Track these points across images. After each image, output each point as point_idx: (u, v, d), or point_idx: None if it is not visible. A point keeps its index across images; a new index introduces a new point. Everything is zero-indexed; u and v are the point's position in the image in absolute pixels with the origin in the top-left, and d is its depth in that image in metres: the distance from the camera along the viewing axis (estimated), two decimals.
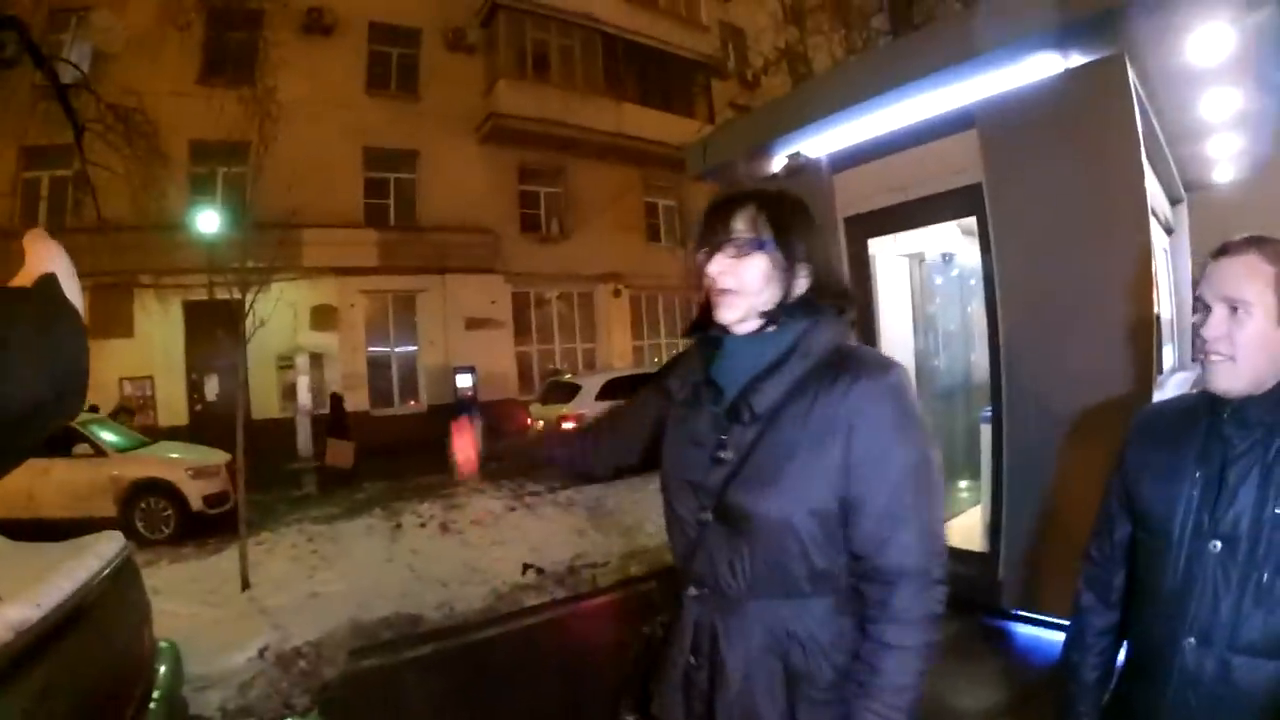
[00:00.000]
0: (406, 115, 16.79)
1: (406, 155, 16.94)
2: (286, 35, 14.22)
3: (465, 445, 1.78)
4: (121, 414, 11.82)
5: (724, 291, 1.28)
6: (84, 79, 10.53)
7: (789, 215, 1.32)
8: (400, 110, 16.77)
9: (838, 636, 1.24)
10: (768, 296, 1.28)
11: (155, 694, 2.43)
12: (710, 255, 1.30)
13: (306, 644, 4.59)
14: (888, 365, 1.25)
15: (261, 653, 4.44)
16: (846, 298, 1.34)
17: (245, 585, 5.70)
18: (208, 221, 8.13)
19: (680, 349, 1.53)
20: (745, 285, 1.27)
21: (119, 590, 2.37)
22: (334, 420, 12.95)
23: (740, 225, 1.28)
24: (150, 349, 14.41)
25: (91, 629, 2.03)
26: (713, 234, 1.30)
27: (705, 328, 1.38)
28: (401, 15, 16.91)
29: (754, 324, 1.29)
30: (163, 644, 2.79)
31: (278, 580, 6.01)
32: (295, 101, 13.48)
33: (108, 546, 2.45)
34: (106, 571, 2.27)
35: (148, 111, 9.73)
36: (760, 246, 1.27)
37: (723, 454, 1.27)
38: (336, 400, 13.34)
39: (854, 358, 1.26)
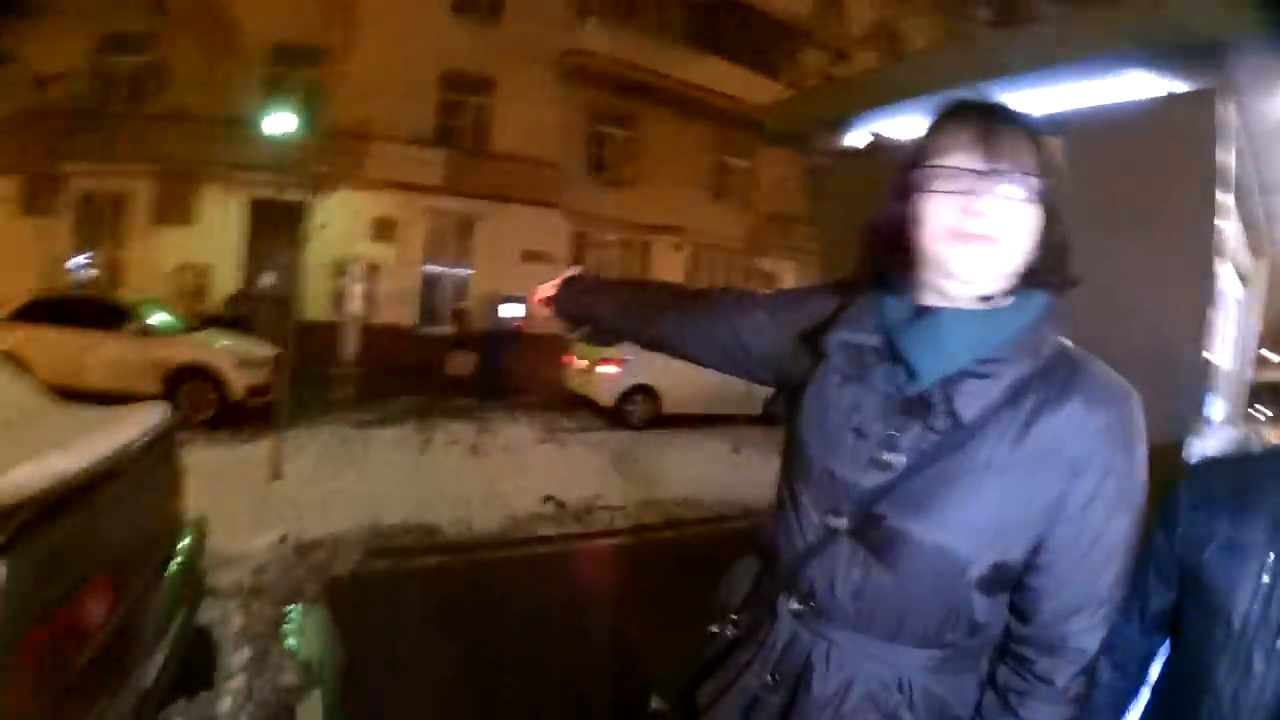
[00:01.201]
0: (488, 41, 16.68)
1: (484, 81, 16.88)
2: None
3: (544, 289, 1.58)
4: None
5: (983, 238, 0.94)
6: None
7: (1060, 163, 0.99)
8: (483, 35, 16.66)
9: (956, 696, 1.04)
10: (1022, 260, 0.97)
11: (176, 560, 2.57)
12: (976, 184, 0.94)
13: (325, 537, 4.78)
14: (1129, 394, 0.98)
15: (281, 540, 4.66)
16: (1073, 283, 1.03)
17: (275, 476, 5.93)
18: (281, 122, 8.23)
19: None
20: (1012, 237, 0.95)
21: (156, 457, 2.49)
22: (457, 333, 13.98)
23: (1024, 155, 0.95)
24: (211, 239, 14.83)
25: (125, 488, 2.14)
26: (989, 154, 0.94)
27: (887, 282, 1.07)
28: None
29: (994, 291, 0.98)
30: (190, 516, 2.94)
31: (306, 476, 6.24)
32: (379, 14, 13.53)
33: (152, 414, 2.57)
34: (147, 438, 2.39)
35: (230, 8, 9.82)
36: (1042, 197, 0.95)
37: (889, 456, 0.99)
38: (460, 314, 14.35)
39: (1088, 373, 0.98)
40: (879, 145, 5.02)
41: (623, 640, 3.85)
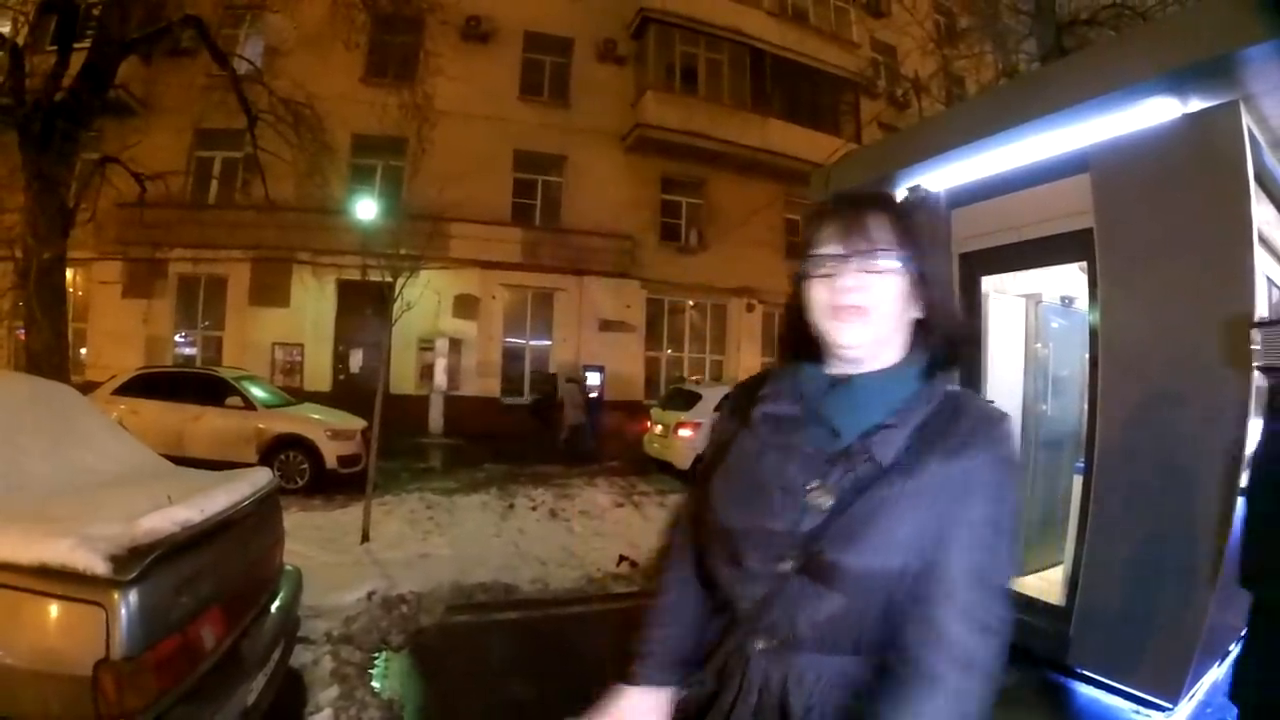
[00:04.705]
0: (556, 121, 17.70)
1: (554, 159, 17.80)
2: (446, 42, 15.09)
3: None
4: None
5: (853, 310, 1.11)
6: (257, 72, 11.75)
7: (924, 230, 1.17)
8: (550, 116, 17.70)
9: None
10: (896, 323, 1.14)
11: (276, 605, 2.92)
12: (840, 266, 1.12)
13: (410, 594, 5.10)
14: (1001, 420, 1.14)
15: (370, 595, 5.00)
16: (967, 337, 1.15)
17: (365, 538, 6.35)
18: (365, 209, 8.97)
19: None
20: (880, 306, 1.12)
21: (262, 514, 2.87)
22: (548, 400, 15.33)
23: (880, 234, 1.12)
24: (303, 319, 15.91)
25: (237, 539, 2.52)
26: (846, 240, 1.12)
27: (803, 354, 1.23)
28: (556, 25, 17.88)
29: (879, 354, 1.15)
30: (289, 567, 3.31)
31: (393, 538, 6.63)
32: (452, 104, 14.51)
33: (259, 478, 2.97)
34: (256, 496, 2.77)
35: (314, 105, 10.75)
36: (902, 261, 1.11)
37: (819, 500, 1.11)
38: (551, 380, 15.89)
39: (968, 409, 1.13)
40: (917, 199, 5.20)
41: None
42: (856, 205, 1.16)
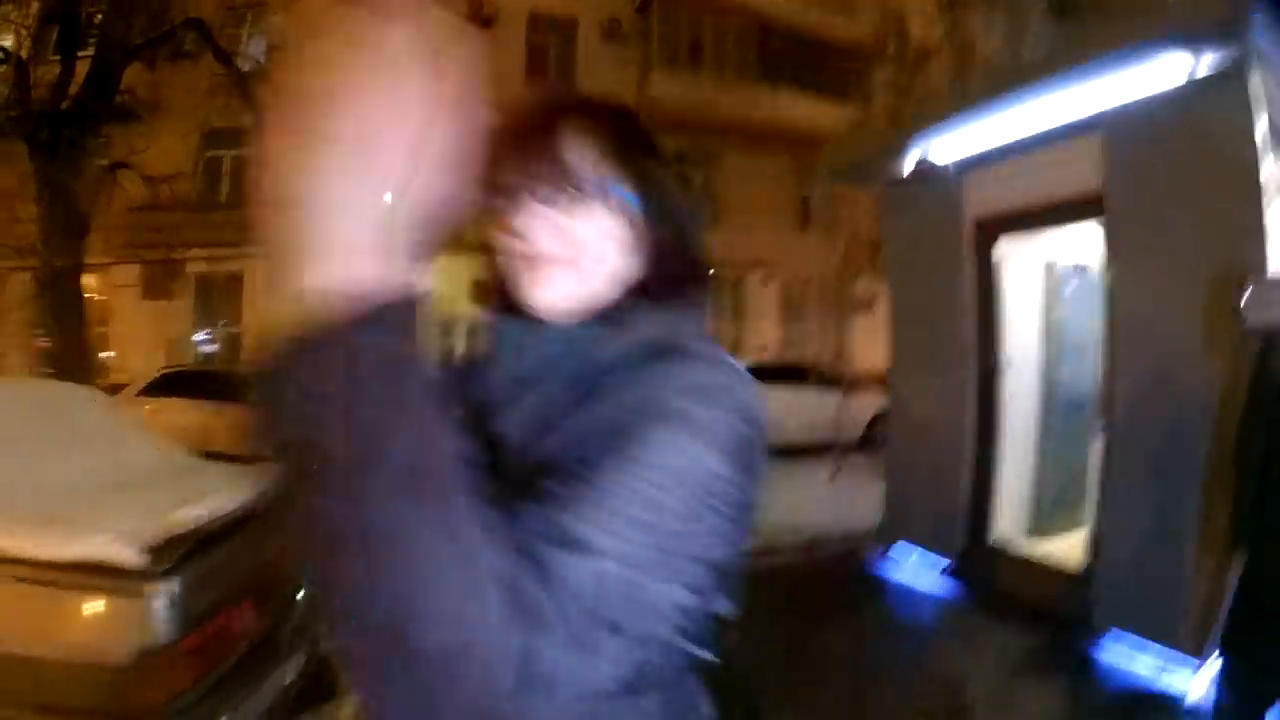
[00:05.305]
0: None
1: None
2: None
3: None
4: None
5: (541, 260, 0.78)
6: (262, 69, 11.80)
7: (641, 143, 0.84)
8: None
9: None
10: (607, 270, 0.80)
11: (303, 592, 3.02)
12: (517, 200, 0.78)
13: None
14: (723, 362, 0.79)
15: None
16: (704, 279, 0.88)
17: None
18: None
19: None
20: (578, 252, 0.79)
21: None
22: None
23: (573, 156, 0.78)
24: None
25: (266, 528, 2.60)
26: (524, 167, 0.77)
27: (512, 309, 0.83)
28: (559, 6, 17.75)
29: (583, 311, 0.80)
30: None
31: None
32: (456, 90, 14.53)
33: None
34: None
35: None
36: (605, 192, 0.79)
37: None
38: None
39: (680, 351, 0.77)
40: (926, 168, 5.18)
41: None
42: (544, 115, 0.81)
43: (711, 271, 0.89)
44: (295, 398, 0.47)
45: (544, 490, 0.60)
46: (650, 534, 0.61)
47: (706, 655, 0.83)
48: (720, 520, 0.68)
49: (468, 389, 0.85)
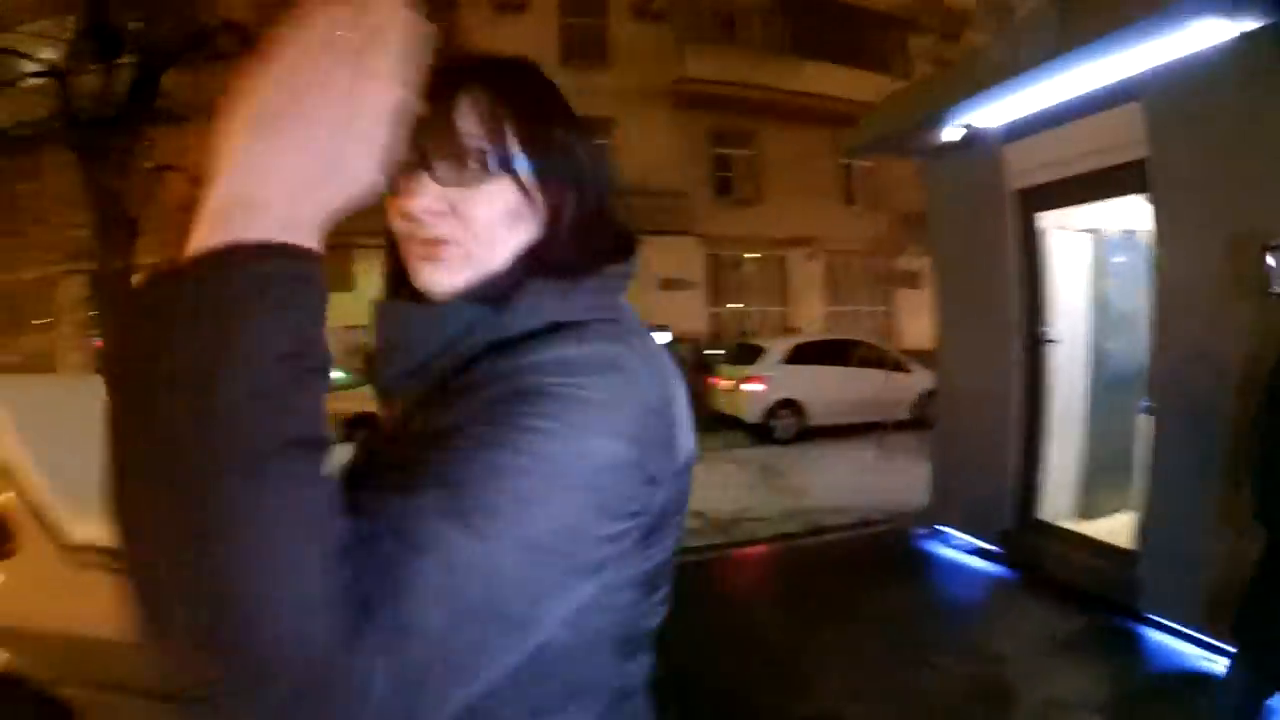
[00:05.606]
0: (599, 84, 17.39)
1: (601, 122, 17.59)
2: (481, 17, 15.12)
3: None
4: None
5: (433, 244, 0.73)
6: None
7: (548, 107, 0.79)
8: (593, 81, 17.36)
9: None
10: (506, 249, 0.74)
11: None
12: (410, 177, 0.71)
13: None
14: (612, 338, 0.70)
15: None
16: (624, 249, 0.81)
17: None
18: None
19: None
20: (474, 232, 0.72)
21: None
22: None
23: (469, 125, 0.71)
24: (367, 303, 16.22)
25: None
26: (417, 139, 0.66)
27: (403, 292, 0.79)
28: None
29: (477, 292, 0.74)
30: None
31: None
32: None
33: (345, 453, 3.19)
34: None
35: None
36: (506, 165, 0.72)
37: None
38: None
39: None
40: (967, 137, 5.08)
41: (758, 636, 4.18)
42: (439, 84, 0.68)
43: (636, 238, 0.83)
44: (147, 322, 0.51)
45: (409, 485, 0.57)
46: (520, 530, 0.56)
47: (643, 673, 0.80)
48: (614, 514, 0.63)
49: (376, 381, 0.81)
